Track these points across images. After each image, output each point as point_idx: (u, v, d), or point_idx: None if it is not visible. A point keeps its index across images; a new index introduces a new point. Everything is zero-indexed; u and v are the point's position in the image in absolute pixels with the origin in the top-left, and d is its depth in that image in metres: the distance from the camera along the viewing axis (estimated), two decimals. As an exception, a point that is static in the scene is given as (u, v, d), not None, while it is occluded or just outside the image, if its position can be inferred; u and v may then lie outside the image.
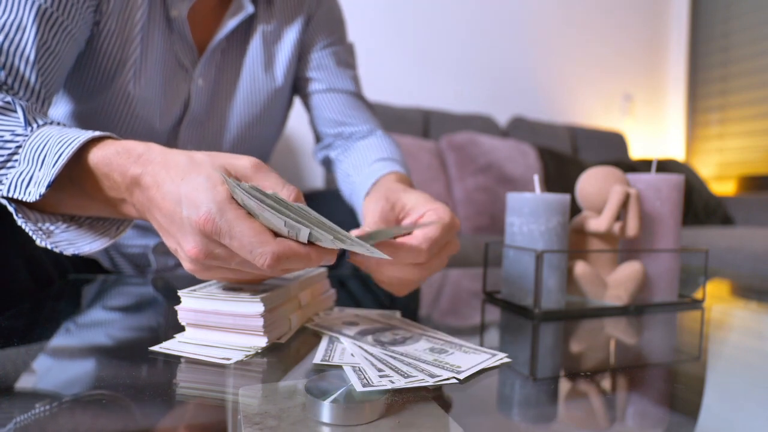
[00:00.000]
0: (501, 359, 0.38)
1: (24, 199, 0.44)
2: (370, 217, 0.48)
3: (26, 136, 0.46)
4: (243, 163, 0.39)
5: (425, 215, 0.48)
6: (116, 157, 0.42)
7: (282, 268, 0.36)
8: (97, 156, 0.43)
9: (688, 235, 1.80)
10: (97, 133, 0.44)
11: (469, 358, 0.38)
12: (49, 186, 0.42)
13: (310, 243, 0.36)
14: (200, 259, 0.36)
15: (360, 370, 0.34)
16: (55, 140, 0.44)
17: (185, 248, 0.37)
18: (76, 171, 0.44)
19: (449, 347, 0.41)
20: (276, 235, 0.36)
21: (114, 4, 0.63)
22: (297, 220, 0.35)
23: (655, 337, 0.53)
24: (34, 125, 0.47)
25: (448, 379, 0.34)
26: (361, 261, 0.44)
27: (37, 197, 0.43)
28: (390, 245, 0.43)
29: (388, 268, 0.44)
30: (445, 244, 0.47)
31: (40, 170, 0.44)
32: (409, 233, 0.45)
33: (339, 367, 0.35)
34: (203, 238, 0.35)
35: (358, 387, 0.30)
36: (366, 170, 0.73)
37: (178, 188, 0.37)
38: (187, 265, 0.38)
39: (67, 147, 0.42)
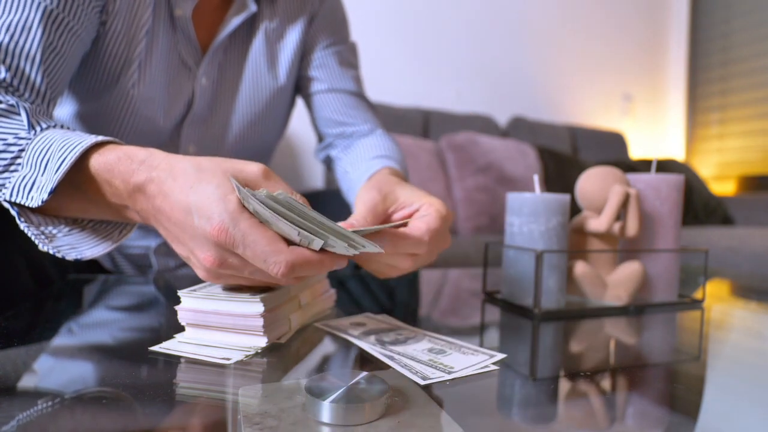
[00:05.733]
0: (498, 359, 0.38)
1: (27, 204, 0.44)
2: (360, 206, 0.48)
3: (29, 139, 0.46)
4: (252, 169, 0.39)
5: (421, 209, 0.49)
6: (117, 164, 0.42)
7: (295, 276, 0.36)
8: (98, 162, 0.43)
9: (688, 235, 1.80)
10: (100, 138, 0.44)
11: (465, 359, 0.38)
12: (52, 192, 0.42)
13: (322, 249, 0.37)
14: (214, 267, 0.37)
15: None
16: (57, 145, 0.43)
17: (199, 257, 0.37)
18: (78, 177, 0.44)
19: (449, 348, 0.41)
20: (289, 242, 0.36)
21: (120, 4, 0.63)
22: (311, 230, 0.36)
23: (655, 337, 0.53)
24: (38, 128, 0.47)
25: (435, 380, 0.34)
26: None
27: (40, 203, 0.43)
28: (393, 235, 0.43)
29: (382, 257, 0.45)
30: (440, 237, 0.47)
31: (42, 175, 0.44)
32: (402, 225, 0.45)
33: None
34: (217, 247, 0.36)
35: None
36: (363, 166, 0.73)
37: (187, 198, 0.37)
38: (200, 273, 0.39)
39: (69, 152, 0.42)
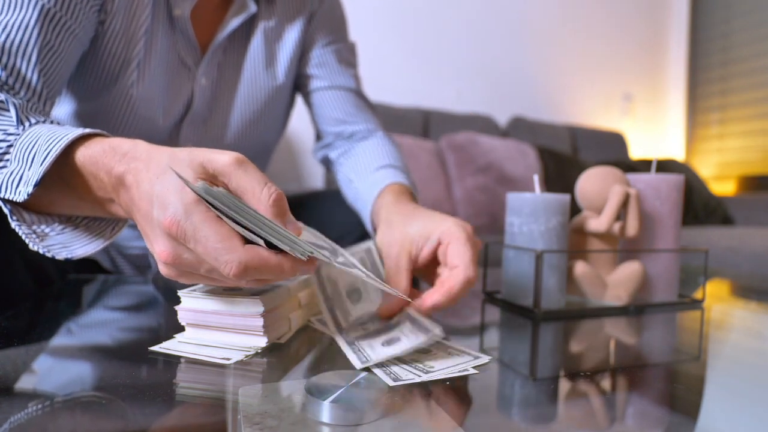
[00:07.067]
0: (482, 362, 0.38)
1: (14, 199, 0.43)
2: (391, 267, 0.49)
3: (18, 135, 0.45)
4: (223, 159, 0.36)
5: (442, 240, 0.48)
6: (102, 156, 0.40)
7: (252, 279, 0.34)
8: (84, 155, 0.41)
9: (688, 235, 1.80)
10: (87, 131, 0.43)
11: (447, 360, 0.37)
12: (37, 185, 0.42)
13: (283, 252, 0.34)
14: (169, 262, 0.35)
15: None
16: (44, 138, 0.43)
17: (156, 250, 0.35)
18: (65, 170, 0.43)
19: (435, 348, 0.40)
20: (246, 241, 0.34)
21: (119, 3, 0.63)
22: (251, 229, 0.33)
23: (655, 337, 0.53)
24: (26, 124, 0.47)
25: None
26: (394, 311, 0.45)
27: (26, 196, 0.42)
28: (445, 294, 0.44)
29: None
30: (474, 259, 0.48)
31: (29, 169, 0.43)
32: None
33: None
34: (171, 240, 0.34)
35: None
36: (369, 178, 0.73)
37: (152, 188, 0.35)
38: (161, 268, 0.37)
39: (54, 145, 0.41)
